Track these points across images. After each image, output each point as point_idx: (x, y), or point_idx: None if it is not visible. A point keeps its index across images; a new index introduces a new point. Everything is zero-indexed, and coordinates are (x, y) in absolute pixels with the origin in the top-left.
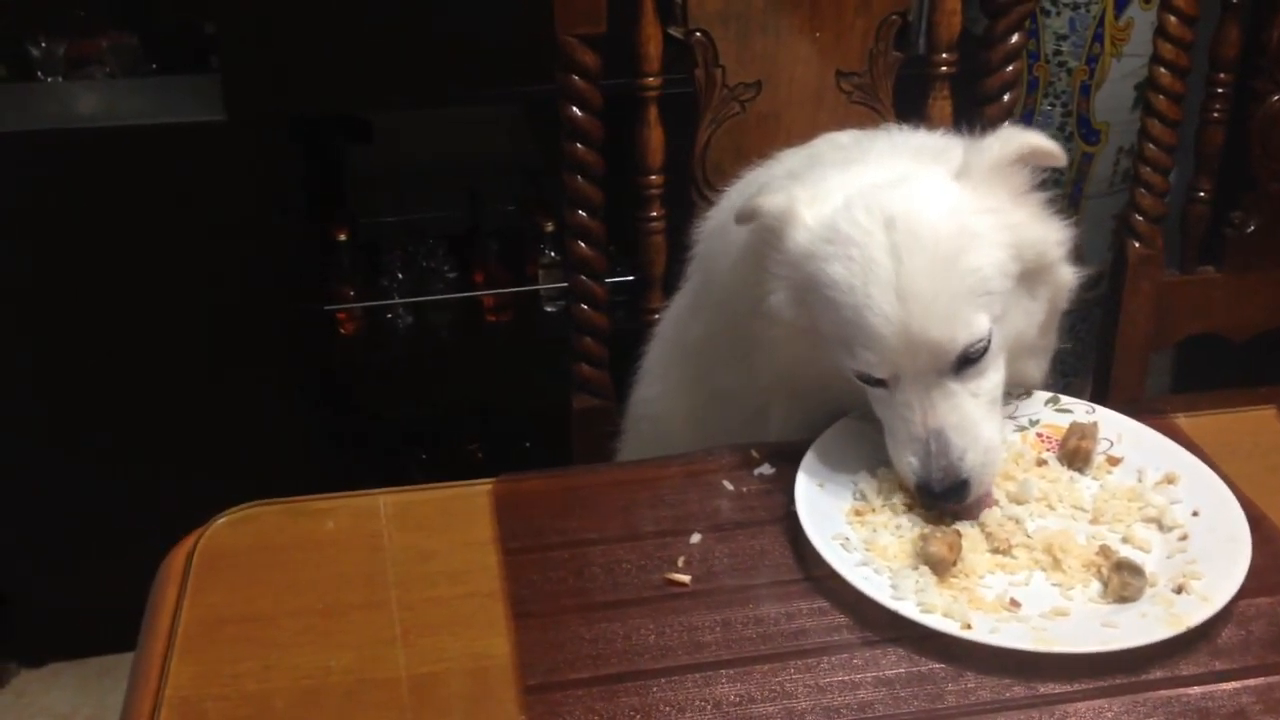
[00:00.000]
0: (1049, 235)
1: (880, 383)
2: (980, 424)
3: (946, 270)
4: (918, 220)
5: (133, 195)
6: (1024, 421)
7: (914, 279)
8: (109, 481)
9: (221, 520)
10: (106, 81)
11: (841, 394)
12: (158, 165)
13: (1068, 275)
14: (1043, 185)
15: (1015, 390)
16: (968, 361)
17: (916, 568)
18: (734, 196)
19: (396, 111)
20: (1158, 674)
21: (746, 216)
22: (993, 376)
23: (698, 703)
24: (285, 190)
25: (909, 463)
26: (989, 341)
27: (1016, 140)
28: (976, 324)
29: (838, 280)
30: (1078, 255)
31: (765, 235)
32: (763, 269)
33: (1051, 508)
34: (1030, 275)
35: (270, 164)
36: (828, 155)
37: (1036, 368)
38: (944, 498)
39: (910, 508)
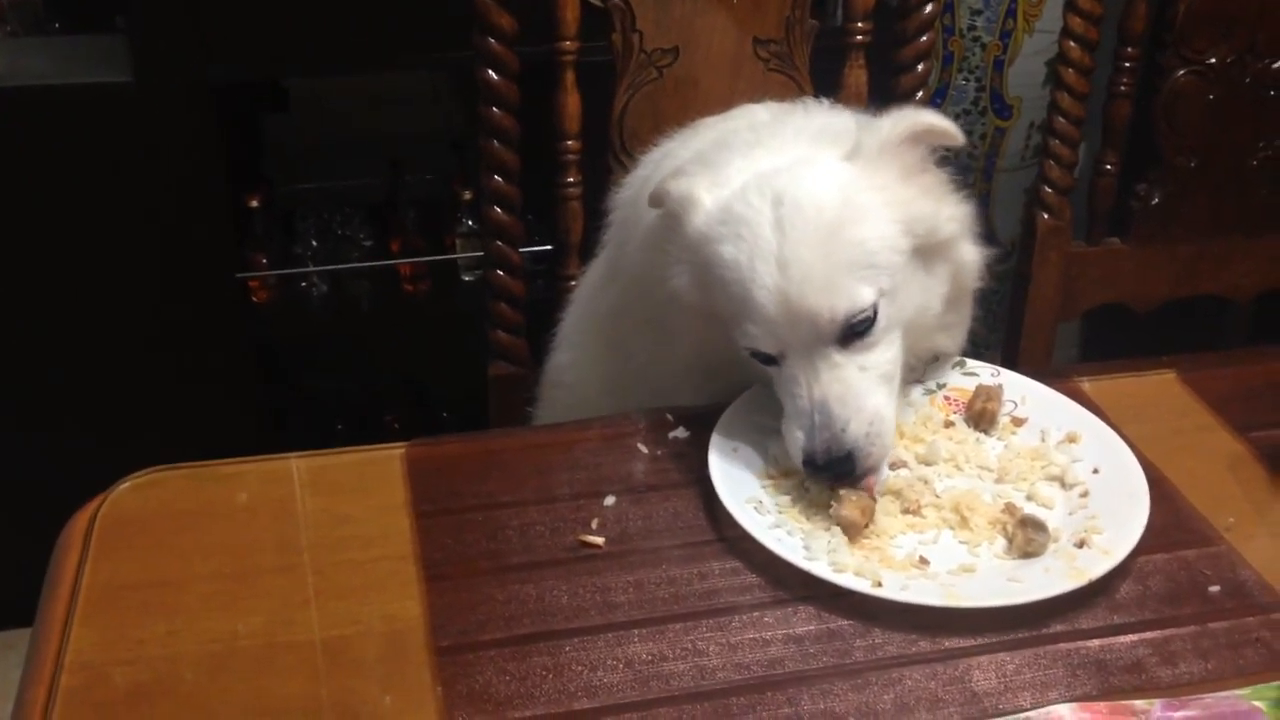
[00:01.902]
0: (941, 211)
1: (772, 360)
2: (866, 396)
3: (827, 241)
4: (803, 196)
5: (35, 157)
6: (931, 385)
7: (795, 249)
8: (11, 451)
9: (125, 485)
10: (7, 40)
11: (751, 377)
12: (61, 127)
13: (970, 253)
14: (945, 163)
15: (929, 359)
16: (854, 334)
17: (829, 529)
18: (649, 166)
19: (316, 79)
20: (1058, 627)
21: (656, 200)
22: (884, 352)
23: (610, 661)
24: (195, 155)
25: (796, 437)
26: (874, 314)
27: (908, 120)
28: (858, 295)
29: (728, 259)
30: (988, 231)
31: (668, 220)
32: (666, 253)
33: (959, 468)
34: (926, 251)
35: (180, 129)
36: (739, 136)
37: (951, 341)
38: (828, 471)
39: None
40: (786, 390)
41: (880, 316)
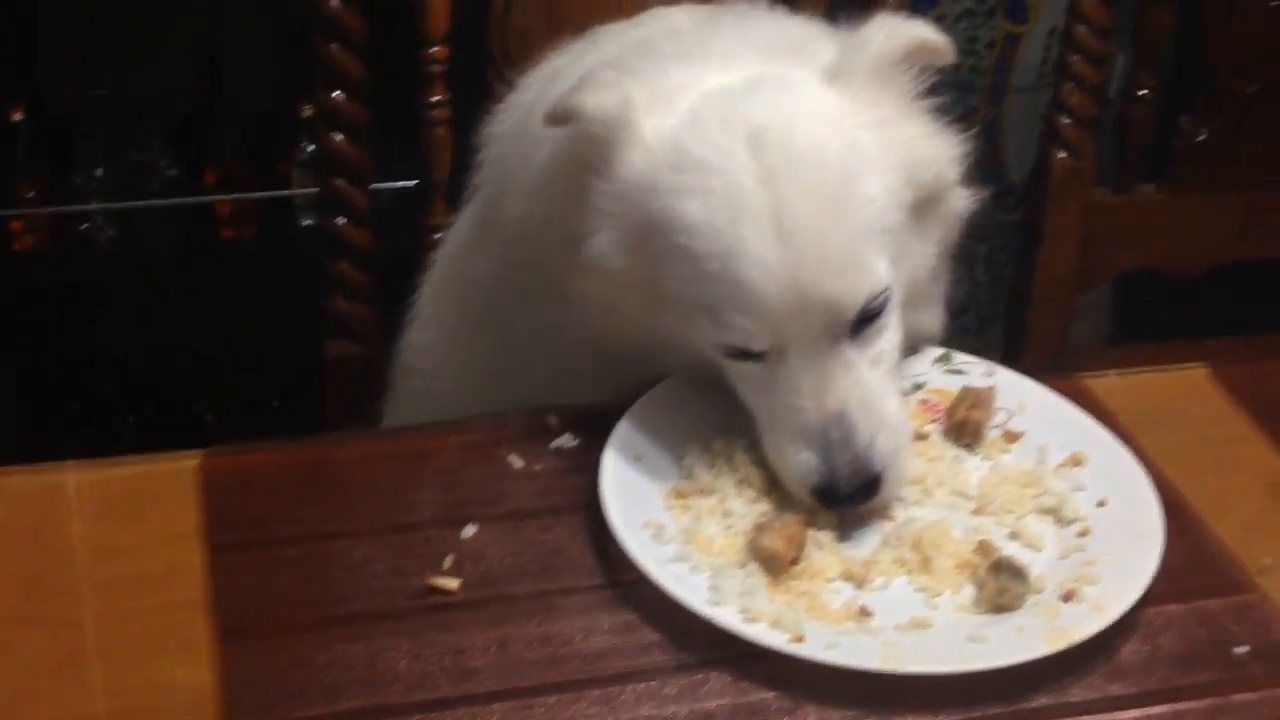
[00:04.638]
0: (944, 153)
1: (754, 355)
2: (884, 400)
3: (839, 201)
4: (793, 137)
5: None
6: (907, 386)
7: (798, 213)
8: None
9: None
10: None
11: (670, 366)
12: None
13: (960, 200)
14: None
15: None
16: (866, 320)
17: (744, 566)
18: (533, 90)
19: None
20: (1042, 700)
21: (561, 116)
22: (891, 338)
23: None
24: None
25: (803, 460)
26: (890, 292)
27: (902, 32)
28: (877, 270)
29: (695, 222)
30: (996, 170)
31: (587, 151)
32: (581, 199)
33: (928, 493)
34: (922, 205)
35: None
36: (661, 44)
37: (932, 317)
38: (853, 500)
39: (751, 487)
40: (779, 398)
41: (892, 293)
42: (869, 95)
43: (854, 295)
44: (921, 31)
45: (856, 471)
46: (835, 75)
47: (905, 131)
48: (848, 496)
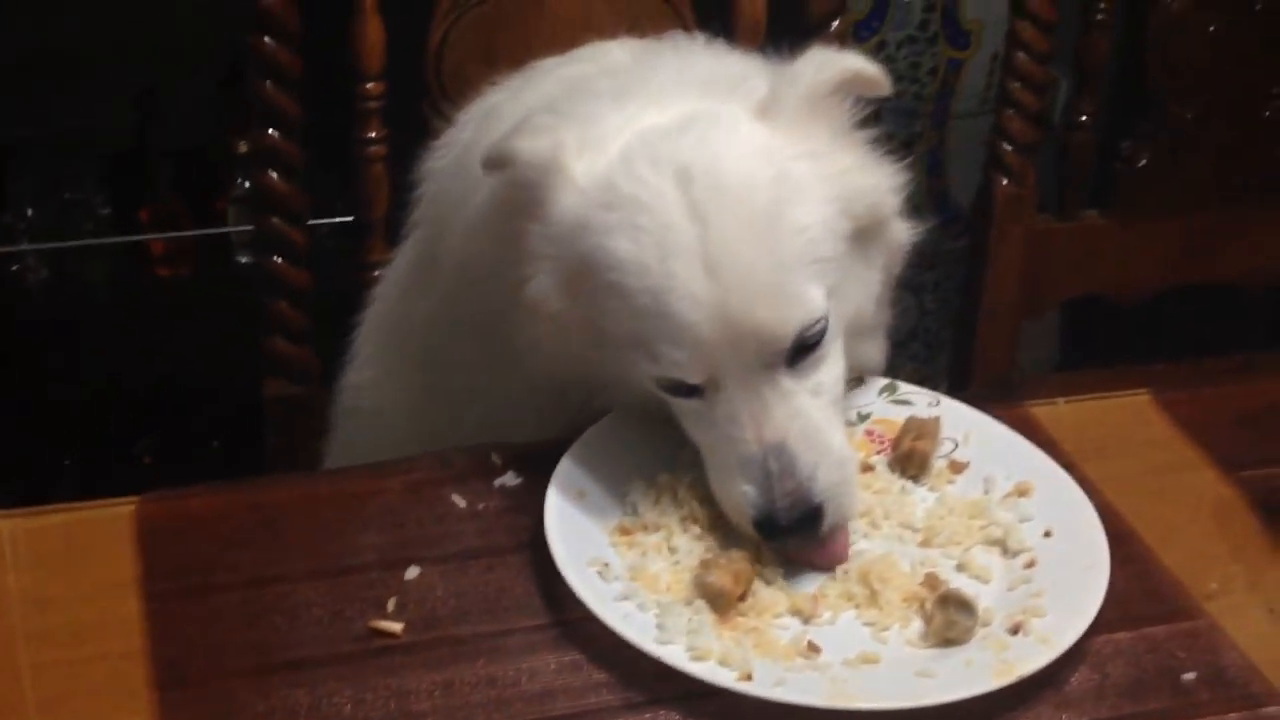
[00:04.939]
0: (881, 183)
1: (693, 390)
2: (828, 431)
3: (767, 231)
4: (721, 170)
5: None
6: (851, 416)
7: (726, 245)
8: None
9: None
10: None
11: (627, 398)
12: None
13: (902, 232)
14: (866, 121)
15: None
16: (803, 349)
17: (691, 603)
18: (470, 126)
19: None
20: None
21: (497, 162)
22: (832, 368)
23: None
24: None
25: (743, 493)
26: (826, 322)
27: (833, 64)
28: (811, 299)
29: (625, 259)
30: (940, 197)
31: (522, 195)
32: (518, 243)
33: (875, 526)
34: (863, 235)
35: None
36: (595, 83)
37: (875, 348)
38: (793, 532)
39: (696, 523)
40: (719, 432)
41: (830, 324)
42: (801, 128)
43: (786, 325)
44: (854, 63)
45: (795, 503)
46: (767, 109)
47: (840, 162)
48: (787, 528)
